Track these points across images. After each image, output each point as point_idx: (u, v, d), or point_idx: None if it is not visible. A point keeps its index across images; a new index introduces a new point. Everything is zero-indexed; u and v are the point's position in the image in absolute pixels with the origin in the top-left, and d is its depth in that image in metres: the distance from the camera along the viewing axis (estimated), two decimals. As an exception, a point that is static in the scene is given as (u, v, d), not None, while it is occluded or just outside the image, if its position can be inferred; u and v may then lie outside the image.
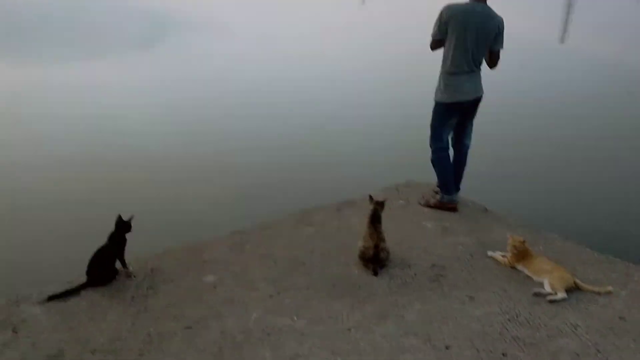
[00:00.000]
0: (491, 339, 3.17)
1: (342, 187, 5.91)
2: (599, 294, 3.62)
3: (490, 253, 4.12)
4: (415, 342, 3.13)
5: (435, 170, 4.82)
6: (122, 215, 3.69)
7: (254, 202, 5.93)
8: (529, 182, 6.65)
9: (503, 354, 3.04)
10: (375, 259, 3.83)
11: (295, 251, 4.09)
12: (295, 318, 3.33)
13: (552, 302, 3.54)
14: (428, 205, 4.90)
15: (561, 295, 3.56)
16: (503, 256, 4.03)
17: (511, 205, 5.51)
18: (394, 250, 4.00)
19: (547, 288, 3.63)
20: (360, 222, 4.22)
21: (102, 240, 3.64)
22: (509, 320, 3.35)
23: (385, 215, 4.00)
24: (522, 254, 3.91)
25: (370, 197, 4.06)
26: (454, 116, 4.64)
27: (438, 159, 4.75)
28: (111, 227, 3.67)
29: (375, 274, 3.79)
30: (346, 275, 3.80)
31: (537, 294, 3.61)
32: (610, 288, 3.65)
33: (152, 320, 3.28)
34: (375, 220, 3.94)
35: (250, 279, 3.72)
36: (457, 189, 4.91)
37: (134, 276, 3.70)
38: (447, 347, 3.09)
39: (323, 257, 4.02)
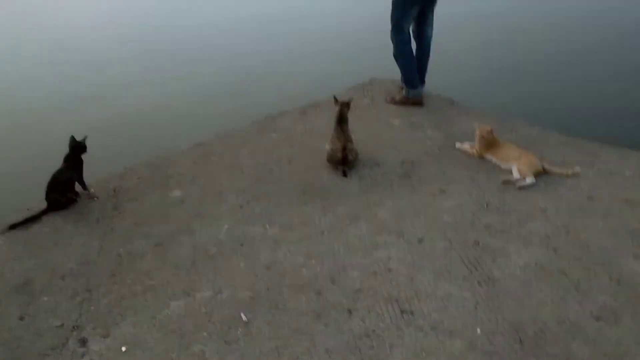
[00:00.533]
0: (463, 229, 3.19)
1: (305, 90, 5.76)
2: (567, 175, 3.65)
3: (458, 145, 4.09)
4: (389, 238, 3.13)
5: (399, 65, 4.67)
6: (75, 136, 3.50)
7: (215, 112, 5.73)
8: (493, 70, 6.55)
9: (475, 243, 3.07)
10: (343, 161, 3.77)
11: (261, 159, 4.00)
12: (267, 226, 3.29)
13: (521, 188, 3.56)
14: (394, 102, 4.79)
15: (530, 180, 3.58)
16: (471, 147, 4.01)
17: (477, 95, 5.44)
18: (362, 150, 3.94)
19: (516, 174, 3.64)
20: (326, 124, 4.12)
21: (57, 163, 3.48)
22: (480, 209, 3.37)
23: (351, 115, 3.90)
24: (489, 143, 3.88)
25: (335, 98, 3.93)
26: (415, 5, 4.43)
27: (400, 52, 4.59)
28: (65, 149, 3.50)
29: (345, 175, 3.74)
30: (315, 179, 3.74)
31: (506, 182, 3.63)
32: (577, 169, 3.68)
33: (121, 241, 3.20)
34: (341, 121, 3.83)
35: (218, 191, 3.64)
36: (422, 82, 4.79)
37: (96, 197, 3.58)
38: (420, 241, 3.10)
39: (291, 162, 3.94)
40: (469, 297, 2.69)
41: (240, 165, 3.92)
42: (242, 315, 2.63)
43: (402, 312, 2.62)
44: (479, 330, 2.49)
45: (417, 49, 4.69)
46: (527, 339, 2.44)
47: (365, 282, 2.80)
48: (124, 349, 2.49)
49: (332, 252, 3.04)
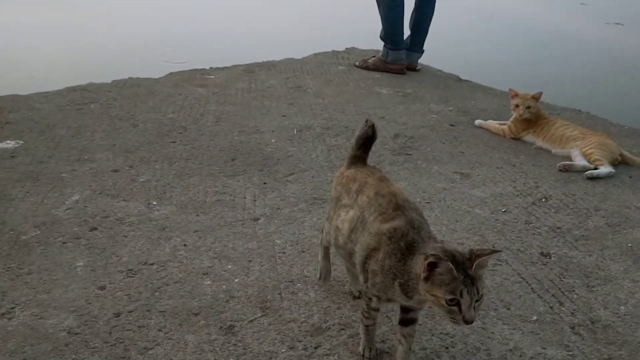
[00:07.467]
0: (513, 230, 1.74)
1: (253, 50, 4.03)
2: (658, 170, 2.29)
3: (479, 122, 2.69)
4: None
5: (380, 13, 3.27)
6: None
7: (116, 57, 3.73)
8: (512, 48, 4.89)
9: (543, 254, 1.62)
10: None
11: (171, 114, 2.49)
12: (153, 203, 1.77)
13: (591, 178, 2.16)
14: (365, 66, 3.39)
15: (606, 169, 2.19)
16: (500, 124, 2.62)
17: (493, 76, 3.96)
18: (332, 116, 2.50)
19: (580, 160, 2.25)
20: (282, 85, 2.66)
21: None
22: (535, 203, 1.93)
23: (319, 80, 2.53)
24: (533, 117, 2.50)
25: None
26: None
27: None
28: None
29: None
30: (255, 145, 2.25)
31: (565, 168, 2.22)
32: (674, 166, 2.32)
33: None
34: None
35: (83, 146, 2.11)
36: (419, 49, 3.42)
37: None
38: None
39: (219, 122, 2.45)
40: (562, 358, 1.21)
41: (135, 119, 2.40)
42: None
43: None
44: None
45: (417, 2, 3.35)
46: None
47: (335, 314, 1.30)
48: None
49: (271, 257, 1.54)
